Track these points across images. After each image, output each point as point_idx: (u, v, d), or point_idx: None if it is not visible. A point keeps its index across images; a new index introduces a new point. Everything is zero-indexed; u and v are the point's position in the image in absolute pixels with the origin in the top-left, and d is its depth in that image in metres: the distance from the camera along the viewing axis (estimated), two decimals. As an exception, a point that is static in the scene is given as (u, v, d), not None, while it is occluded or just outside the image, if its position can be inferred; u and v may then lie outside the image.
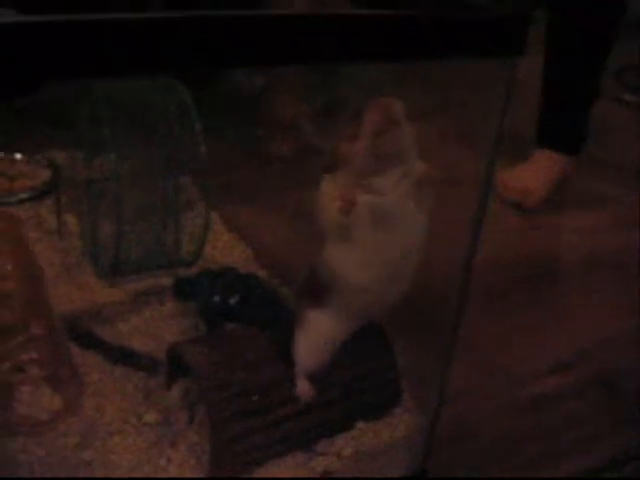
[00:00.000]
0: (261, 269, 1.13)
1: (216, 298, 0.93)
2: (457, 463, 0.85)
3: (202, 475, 0.76)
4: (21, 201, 1.29)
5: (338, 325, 0.78)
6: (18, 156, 1.44)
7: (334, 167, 0.72)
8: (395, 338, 0.86)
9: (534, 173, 1.53)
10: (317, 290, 0.76)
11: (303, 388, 0.79)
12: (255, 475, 0.77)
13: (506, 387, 0.98)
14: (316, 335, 0.78)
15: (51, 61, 0.39)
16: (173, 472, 0.76)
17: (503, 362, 1.03)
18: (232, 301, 0.93)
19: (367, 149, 0.69)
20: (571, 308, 1.18)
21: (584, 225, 1.42)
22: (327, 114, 1.64)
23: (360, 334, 0.80)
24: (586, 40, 1.45)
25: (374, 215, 0.70)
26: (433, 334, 0.77)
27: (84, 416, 0.82)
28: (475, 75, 0.66)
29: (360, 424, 0.83)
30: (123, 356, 0.90)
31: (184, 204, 1.11)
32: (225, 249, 1.19)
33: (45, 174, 1.38)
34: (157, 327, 0.97)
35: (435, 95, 1.37)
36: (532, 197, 1.50)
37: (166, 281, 1.05)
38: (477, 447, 0.88)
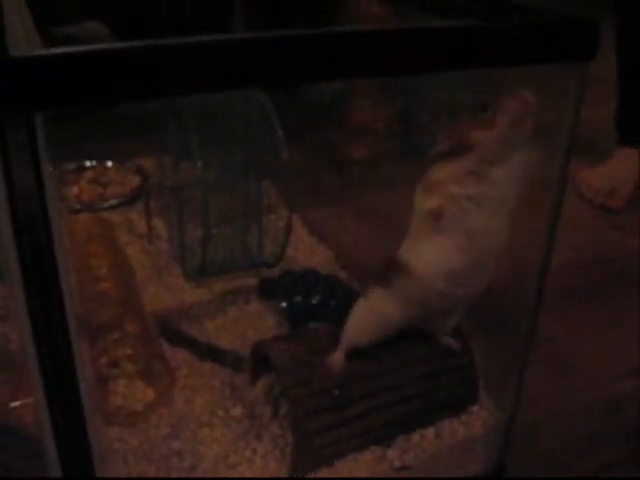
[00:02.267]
0: (341, 270, 1.15)
1: (299, 298, 0.96)
2: (534, 462, 0.85)
3: (285, 466, 0.79)
4: (113, 207, 1.36)
5: (397, 309, 0.78)
6: (109, 164, 1.52)
7: (455, 153, 0.71)
8: (473, 336, 0.87)
9: (617, 172, 1.50)
10: (388, 272, 0.78)
11: (335, 359, 0.80)
12: (335, 467, 0.79)
13: (584, 388, 0.97)
14: (371, 311, 0.80)
15: (146, 85, 0.43)
16: (258, 463, 0.79)
17: (582, 362, 1.02)
18: (314, 301, 0.96)
19: (501, 138, 0.68)
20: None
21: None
22: (403, 118, 1.66)
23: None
24: None
25: (472, 207, 0.70)
26: (511, 333, 0.77)
27: (175, 408, 0.86)
28: (549, 77, 0.67)
29: (438, 421, 0.85)
30: (210, 353, 0.94)
31: (266, 208, 1.15)
32: (306, 251, 1.22)
33: (135, 181, 1.45)
34: (242, 326, 1.01)
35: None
36: (618, 197, 1.48)
37: (250, 282, 1.08)
38: (554, 447, 0.88)
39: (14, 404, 0.79)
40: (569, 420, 0.92)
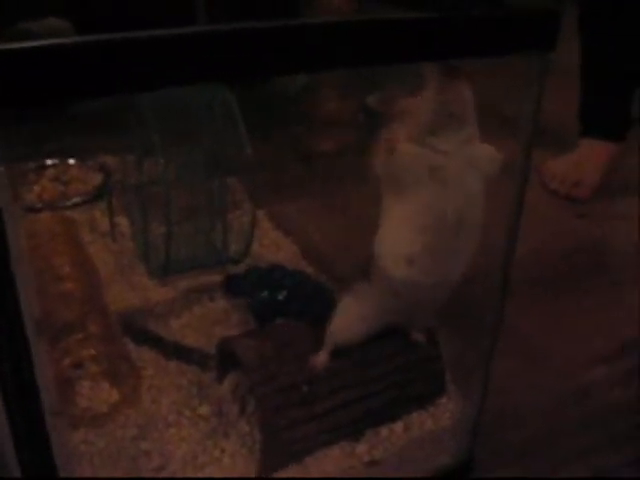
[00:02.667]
0: (308, 266, 1.15)
1: (265, 294, 0.96)
2: (503, 453, 0.86)
3: (253, 464, 0.78)
4: (75, 205, 1.34)
5: (381, 304, 0.77)
6: (71, 161, 1.49)
7: (391, 120, 0.70)
8: (439, 327, 0.87)
9: (582, 163, 1.52)
10: (368, 266, 0.76)
11: (320, 359, 0.79)
12: (304, 463, 0.79)
13: (552, 377, 0.98)
14: (358, 308, 0.79)
15: (104, 79, 0.42)
16: (226, 462, 0.79)
17: (549, 352, 1.03)
18: (280, 297, 0.95)
19: (430, 103, 0.67)
20: (618, 297, 1.17)
21: (631, 212, 1.40)
22: (368, 111, 1.66)
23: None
24: (625, 22, 1.43)
25: (425, 170, 0.68)
26: (477, 323, 0.77)
27: (141, 409, 0.85)
28: (510, 69, 0.67)
29: (406, 414, 0.85)
30: (176, 351, 0.93)
31: (231, 204, 1.14)
32: (272, 247, 1.21)
33: (97, 179, 1.43)
34: (208, 323, 1.00)
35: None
36: (584, 188, 1.49)
37: (216, 279, 1.07)
38: (523, 436, 0.89)
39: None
40: (538, 410, 0.92)
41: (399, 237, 0.71)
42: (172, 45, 0.43)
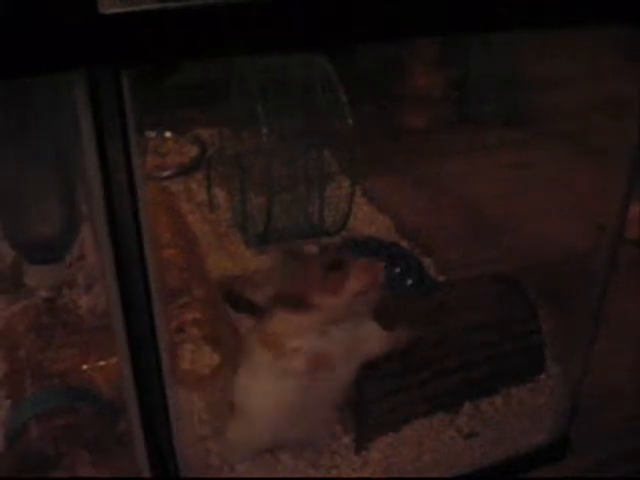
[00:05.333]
0: (402, 239, 1.15)
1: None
2: (600, 434, 0.85)
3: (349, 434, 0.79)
4: (172, 176, 1.37)
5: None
6: (168, 134, 1.53)
7: (298, 307, 0.69)
8: (540, 304, 0.86)
9: None
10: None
11: None
12: (402, 433, 0.80)
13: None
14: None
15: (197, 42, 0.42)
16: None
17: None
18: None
19: (345, 305, 0.68)
20: None
21: None
22: (460, 85, 1.63)
23: (505, 298, 0.81)
24: None
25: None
26: (580, 302, 0.76)
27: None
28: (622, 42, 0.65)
29: (505, 388, 0.84)
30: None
31: (326, 176, 1.15)
32: (366, 220, 1.21)
33: (193, 151, 1.47)
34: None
35: (581, 62, 1.33)
36: None
37: (311, 250, 1.09)
38: (621, 418, 0.87)
39: (85, 367, 0.81)
40: (637, 392, 0.90)
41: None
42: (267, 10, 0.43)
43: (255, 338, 0.73)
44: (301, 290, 0.69)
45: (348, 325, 0.70)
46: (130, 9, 0.39)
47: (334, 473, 0.75)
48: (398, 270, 0.95)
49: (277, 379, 0.70)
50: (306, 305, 0.68)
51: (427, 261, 1.07)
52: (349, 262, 0.69)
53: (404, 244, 1.12)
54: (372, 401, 0.77)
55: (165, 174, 1.38)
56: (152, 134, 1.51)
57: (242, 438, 0.74)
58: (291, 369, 0.69)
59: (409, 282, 0.95)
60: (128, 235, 0.47)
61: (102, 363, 0.82)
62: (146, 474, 0.58)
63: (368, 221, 1.21)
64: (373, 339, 0.72)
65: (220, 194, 1.27)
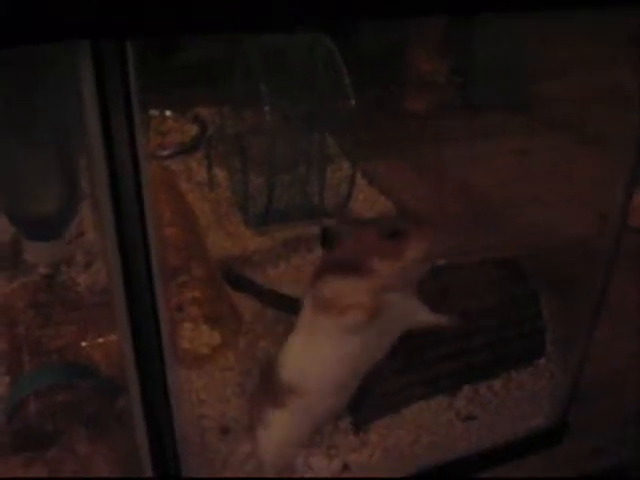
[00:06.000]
0: (403, 222, 1.14)
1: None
2: (598, 420, 0.85)
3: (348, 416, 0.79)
4: (172, 155, 1.36)
5: (301, 423, 0.73)
6: (168, 113, 1.52)
7: (352, 270, 0.68)
8: (542, 289, 0.86)
9: None
10: (277, 390, 0.72)
11: None
12: (401, 415, 0.80)
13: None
14: (280, 435, 0.73)
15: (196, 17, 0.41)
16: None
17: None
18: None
19: (402, 272, 0.68)
20: None
21: None
22: (461, 70, 1.62)
23: (506, 283, 0.81)
24: None
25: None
26: (582, 288, 0.76)
27: (240, 351, 0.88)
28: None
29: (505, 372, 0.85)
30: (274, 299, 0.95)
31: (326, 157, 1.14)
32: (366, 202, 1.21)
33: (193, 130, 1.46)
34: (305, 273, 1.01)
35: (581, 48, 1.33)
36: None
37: (312, 230, 1.08)
38: (619, 405, 0.87)
39: (84, 343, 0.81)
40: (637, 379, 0.90)
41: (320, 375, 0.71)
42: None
43: (309, 305, 0.71)
44: (360, 255, 0.68)
45: (399, 295, 0.69)
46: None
47: (332, 453, 0.75)
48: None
49: (338, 342, 0.69)
50: (364, 270, 0.68)
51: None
52: (408, 229, 0.69)
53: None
54: (371, 382, 0.77)
55: (165, 153, 1.37)
56: (155, 112, 1.50)
57: (294, 423, 0.72)
58: (353, 322, 0.68)
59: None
60: (131, 212, 0.46)
61: (100, 340, 0.81)
62: (144, 451, 0.58)
63: (369, 203, 1.21)
64: (421, 314, 0.72)
65: (220, 174, 1.26)
